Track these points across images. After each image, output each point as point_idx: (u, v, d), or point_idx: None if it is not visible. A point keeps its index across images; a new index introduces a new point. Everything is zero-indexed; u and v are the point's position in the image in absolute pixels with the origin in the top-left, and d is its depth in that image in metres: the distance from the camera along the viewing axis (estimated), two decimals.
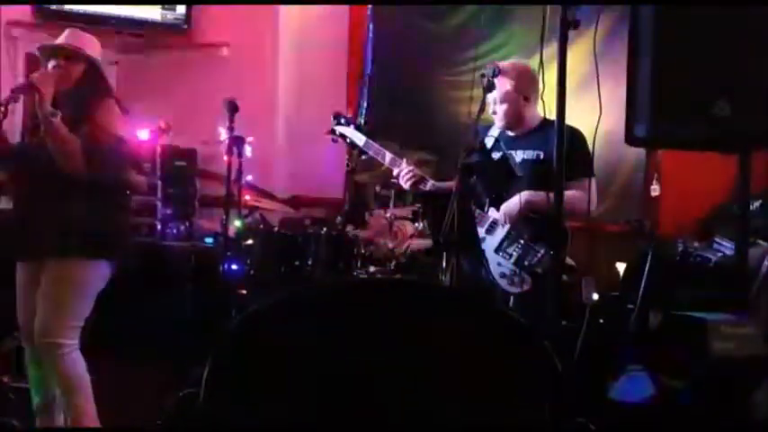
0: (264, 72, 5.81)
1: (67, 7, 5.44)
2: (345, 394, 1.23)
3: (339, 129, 3.35)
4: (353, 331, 1.26)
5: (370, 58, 5.75)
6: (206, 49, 5.89)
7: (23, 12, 5.36)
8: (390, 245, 4.15)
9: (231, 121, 3.90)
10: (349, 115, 3.42)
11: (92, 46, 3.05)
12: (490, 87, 2.98)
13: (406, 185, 3.18)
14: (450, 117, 5.42)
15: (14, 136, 3.21)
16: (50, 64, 2.97)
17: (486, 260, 3.03)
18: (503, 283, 2.99)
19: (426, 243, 4.28)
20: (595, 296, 3.45)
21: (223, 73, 5.78)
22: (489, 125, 3.27)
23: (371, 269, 4.17)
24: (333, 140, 3.38)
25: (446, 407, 1.24)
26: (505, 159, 3.09)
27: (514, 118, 3.13)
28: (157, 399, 3.54)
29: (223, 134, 4.07)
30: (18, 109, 3.38)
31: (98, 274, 2.96)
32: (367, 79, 5.74)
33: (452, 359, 1.26)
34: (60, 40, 3.03)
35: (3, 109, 3.01)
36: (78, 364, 2.91)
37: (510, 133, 3.18)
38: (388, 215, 4.23)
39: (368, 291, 1.34)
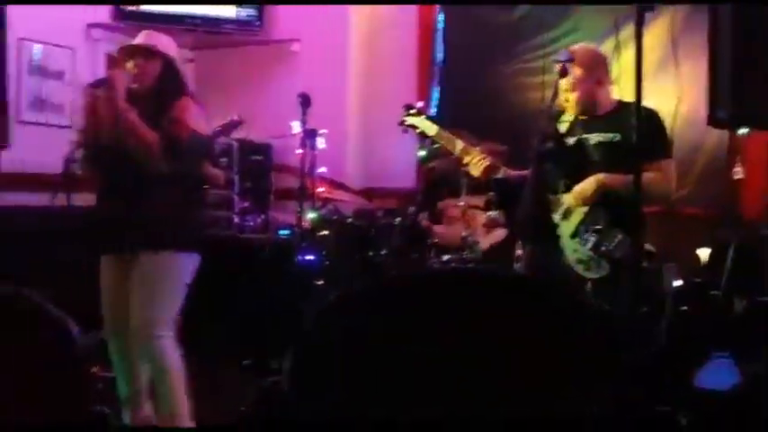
0: (335, 65, 5.85)
1: (144, 8, 5.60)
2: (424, 384, 1.24)
3: (410, 119, 3.35)
4: (431, 321, 1.26)
5: (440, 47, 5.72)
6: (278, 44, 5.98)
7: (103, 14, 5.53)
8: (464, 234, 4.15)
9: (304, 114, 3.94)
10: (419, 105, 3.42)
11: (168, 45, 3.12)
12: (564, 73, 2.93)
13: (477, 174, 3.15)
14: (520, 104, 5.36)
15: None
16: (129, 64, 3.05)
17: (562, 246, 2.98)
18: (579, 268, 2.93)
19: (501, 232, 4.26)
20: (677, 282, 3.37)
21: (295, 68, 5.86)
22: (562, 111, 3.21)
23: (445, 258, 4.17)
24: (404, 131, 3.38)
25: (522, 397, 1.24)
26: (581, 144, 3.04)
27: (588, 103, 3.07)
28: (239, 389, 3.62)
29: (296, 127, 4.13)
30: None
31: (189, 266, 3.03)
32: (437, 69, 5.72)
33: (528, 348, 1.25)
34: (137, 40, 3.12)
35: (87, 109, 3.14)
36: (174, 356, 2.98)
37: (584, 117, 3.12)
38: (460, 204, 4.22)
39: (445, 280, 1.34)
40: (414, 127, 3.31)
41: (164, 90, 3.03)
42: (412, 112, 3.36)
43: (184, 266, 3.01)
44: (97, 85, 3.12)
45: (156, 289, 2.94)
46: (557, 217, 3.00)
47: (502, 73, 5.55)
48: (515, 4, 5.45)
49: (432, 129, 3.25)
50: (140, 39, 3.11)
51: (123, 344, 3.06)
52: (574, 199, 2.97)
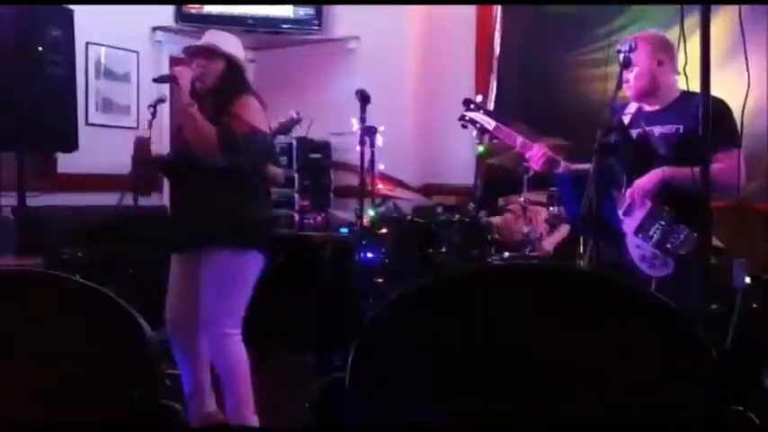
0: (393, 62, 5.86)
1: (206, 9, 5.71)
2: (487, 384, 1.22)
3: (469, 114, 3.31)
4: (496, 320, 1.24)
5: (498, 41, 5.67)
6: (336, 43, 6.02)
7: (166, 17, 5.66)
8: (525, 230, 4.10)
9: (363, 111, 3.94)
10: (479, 100, 3.38)
11: (232, 44, 3.15)
12: (627, 63, 2.86)
13: (538, 168, 3.09)
14: (582, 96, 5.27)
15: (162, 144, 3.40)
16: (194, 64, 3.10)
17: (626, 243, 2.91)
18: (643, 266, 2.85)
19: (565, 229, 4.20)
20: (747, 280, 3.25)
21: (353, 65, 5.88)
22: (625, 103, 3.14)
23: (506, 255, 4.13)
24: (463, 126, 3.35)
25: (588, 397, 1.21)
26: (644, 136, 2.96)
27: (650, 88, 2.97)
28: (302, 385, 3.65)
29: (355, 125, 4.14)
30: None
31: (254, 265, 3.06)
32: (496, 63, 5.67)
33: (594, 345, 1.22)
34: (201, 41, 3.17)
35: (152, 109, 3.22)
36: (240, 353, 3.02)
37: (647, 108, 3.04)
38: (521, 200, 4.18)
39: (508, 276, 1.32)
40: (473, 122, 3.27)
41: (225, 88, 3.07)
42: (471, 107, 3.33)
43: (250, 265, 3.05)
44: (161, 80, 3.19)
45: (223, 287, 2.99)
46: (619, 212, 2.94)
47: (562, 65, 5.47)
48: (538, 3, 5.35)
49: (490, 124, 3.20)
50: (204, 39, 3.15)
51: (189, 341, 3.12)
52: (637, 193, 2.89)
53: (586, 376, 1.17)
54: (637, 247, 2.88)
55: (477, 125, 3.25)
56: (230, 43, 3.14)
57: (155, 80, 3.23)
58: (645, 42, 2.95)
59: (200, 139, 2.93)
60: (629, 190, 2.92)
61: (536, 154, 3.05)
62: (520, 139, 3.12)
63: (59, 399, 1.22)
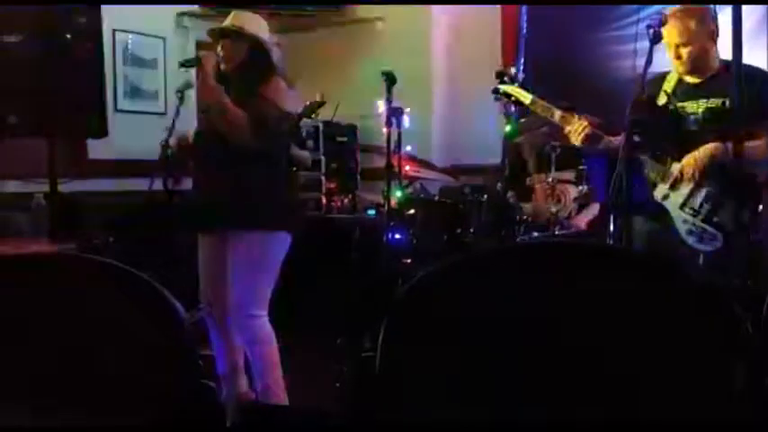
0: (419, 42, 5.82)
1: None
2: (518, 359, 1.21)
3: (504, 87, 3.24)
4: (525, 295, 1.23)
5: (525, 18, 5.60)
6: (361, 24, 5.98)
7: (192, 1, 5.66)
8: (553, 209, 4.07)
9: (389, 92, 3.92)
10: (513, 72, 3.31)
11: (257, 26, 3.12)
12: (657, 38, 2.80)
13: (578, 143, 3.01)
14: (611, 73, 5.19)
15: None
16: (219, 46, 3.09)
17: (671, 218, 2.87)
18: (691, 240, 2.81)
19: (595, 207, 4.16)
20: None
21: (379, 47, 5.85)
22: (656, 77, 3.08)
23: (535, 235, 4.10)
24: (496, 99, 3.28)
25: (626, 376, 1.19)
26: (687, 111, 2.91)
27: (701, 59, 2.91)
28: (330, 366, 3.67)
29: (381, 106, 4.12)
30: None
31: (281, 246, 3.07)
32: (523, 41, 5.61)
33: (631, 325, 1.21)
34: (225, 22, 3.15)
35: (179, 94, 3.23)
36: (269, 334, 3.04)
37: (689, 80, 2.98)
38: (549, 179, 4.14)
39: (540, 253, 1.30)
40: (507, 95, 3.20)
41: (251, 70, 3.05)
42: (505, 79, 3.26)
43: (277, 246, 3.06)
44: (187, 64, 3.20)
45: (250, 269, 3.00)
46: (664, 188, 2.89)
47: (591, 42, 5.39)
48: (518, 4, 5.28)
49: (527, 97, 3.13)
50: (228, 20, 3.12)
51: (222, 323, 3.15)
52: (684, 168, 2.85)
53: (624, 352, 1.16)
54: (683, 222, 2.84)
55: (512, 98, 3.18)
56: (255, 25, 3.11)
57: (181, 64, 3.24)
58: (691, 12, 2.89)
59: (229, 121, 2.93)
60: (675, 165, 2.88)
61: (578, 128, 2.98)
62: (558, 113, 3.05)
63: (96, 379, 1.24)
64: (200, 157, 3.18)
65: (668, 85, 3.01)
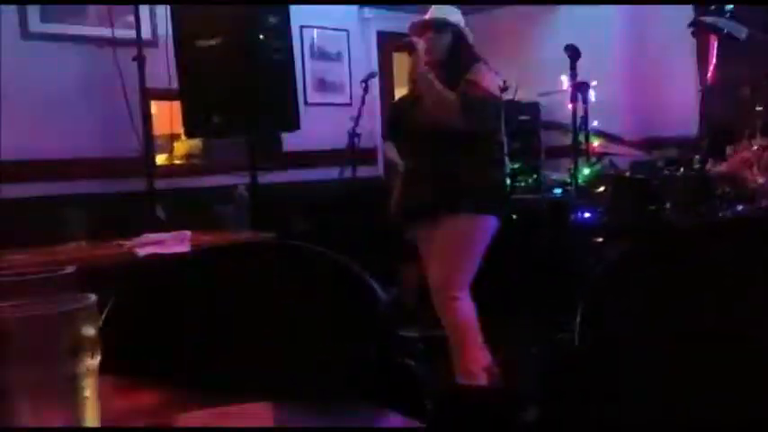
0: (600, 14, 5.59)
1: None
2: (726, 341, 1.15)
3: (706, 19, 2.99)
4: (727, 275, 1.16)
5: None
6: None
7: None
8: (760, 180, 3.77)
9: (573, 68, 3.81)
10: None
11: (457, 17, 3.23)
12: None
13: None
14: None
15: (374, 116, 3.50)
16: (422, 37, 3.17)
17: None
18: None
19: None
20: None
21: (558, 23, 5.70)
22: None
23: (738, 209, 3.83)
24: (693, 34, 3.02)
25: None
26: None
27: None
28: (526, 346, 3.65)
29: (565, 82, 4.01)
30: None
31: (487, 230, 3.11)
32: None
33: None
34: (428, 15, 3.25)
35: (364, 84, 3.34)
36: (470, 316, 3.08)
37: None
38: (754, 147, 3.84)
39: (739, 231, 1.22)
40: (717, 30, 2.95)
41: (456, 58, 3.14)
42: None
43: (483, 229, 3.09)
44: (402, 47, 3.28)
45: (454, 251, 3.05)
46: None
47: None
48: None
49: (740, 31, 2.88)
50: (430, 13, 3.25)
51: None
52: None
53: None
54: None
55: (724, 31, 2.92)
56: (455, 16, 3.23)
57: (396, 47, 3.32)
58: None
59: (440, 104, 3.00)
60: None
61: None
62: None
63: (299, 358, 1.31)
64: (411, 143, 3.26)
65: None
